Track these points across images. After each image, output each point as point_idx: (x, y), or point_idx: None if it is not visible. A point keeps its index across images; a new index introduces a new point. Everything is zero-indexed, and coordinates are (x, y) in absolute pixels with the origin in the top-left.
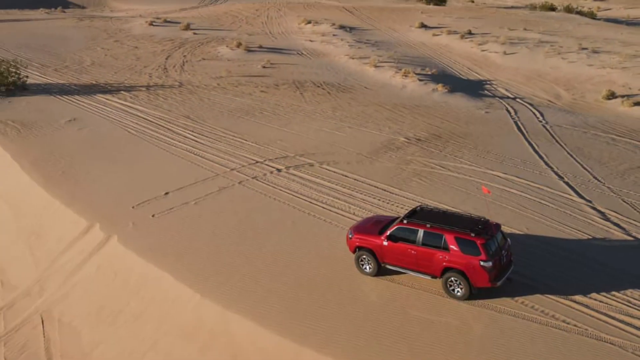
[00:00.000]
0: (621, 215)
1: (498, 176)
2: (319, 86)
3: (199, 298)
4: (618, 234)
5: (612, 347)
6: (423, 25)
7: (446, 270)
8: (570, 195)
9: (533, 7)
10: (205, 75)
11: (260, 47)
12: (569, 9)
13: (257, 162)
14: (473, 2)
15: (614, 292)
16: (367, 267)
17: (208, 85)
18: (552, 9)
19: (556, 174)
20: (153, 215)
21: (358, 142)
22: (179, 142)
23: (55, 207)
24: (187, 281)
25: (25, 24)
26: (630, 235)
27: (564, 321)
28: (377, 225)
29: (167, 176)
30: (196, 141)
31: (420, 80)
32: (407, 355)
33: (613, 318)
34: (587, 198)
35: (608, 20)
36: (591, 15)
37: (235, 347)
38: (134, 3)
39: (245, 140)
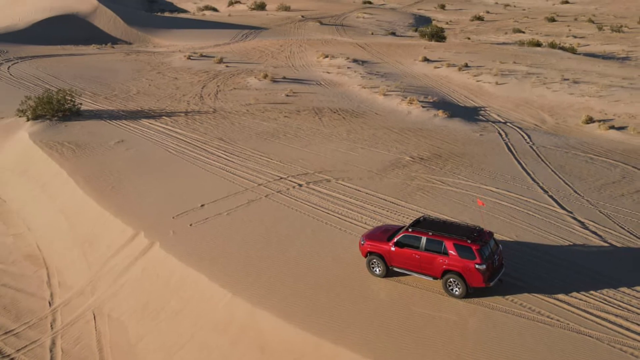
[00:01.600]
0: (598, 224)
1: (491, 190)
2: (335, 112)
3: (231, 297)
4: (595, 241)
5: (590, 339)
6: (425, 59)
7: (446, 272)
8: (553, 207)
9: (521, 43)
10: (236, 103)
11: (284, 78)
12: (552, 45)
13: (281, 178)
14: (469, 39)
15: (592, 291)
16: (377, 270)
17: (238, 111)
18: (538, 45)
19: (542, 188)
20: (190, 225)
21: (369, 161)
22: (213, 160)
23: (106, 218)
24: (220, 282)
25: (79, 58)
26: (606, 242)
27: (548, 317)
28: (385, 233)
29: (203, 190)
30: (228, 160)
31: (423, 107)
32: (411, 345)
33: (591, 314)
34: (569, 209)
35: (587, 54)
36: (572, 51)
37: (263, 339)
38: (174, 39)
39: (271, 159)
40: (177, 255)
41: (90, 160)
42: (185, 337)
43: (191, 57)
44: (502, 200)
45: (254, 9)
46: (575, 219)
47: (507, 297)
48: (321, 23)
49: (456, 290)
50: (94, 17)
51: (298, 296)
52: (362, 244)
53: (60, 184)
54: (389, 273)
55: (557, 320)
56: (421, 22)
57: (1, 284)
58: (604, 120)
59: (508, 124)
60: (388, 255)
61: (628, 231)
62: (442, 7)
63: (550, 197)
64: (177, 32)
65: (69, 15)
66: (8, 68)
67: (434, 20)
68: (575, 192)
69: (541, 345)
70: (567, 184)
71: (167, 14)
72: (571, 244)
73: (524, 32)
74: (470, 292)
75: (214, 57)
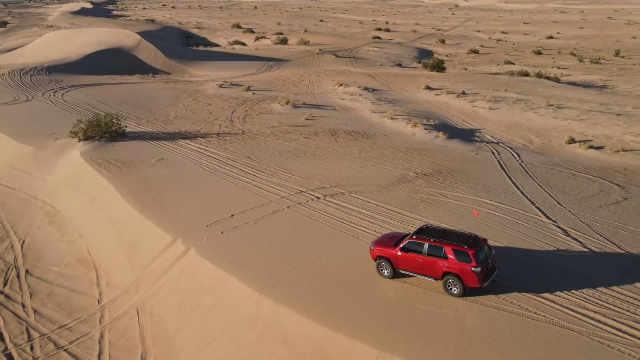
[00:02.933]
0: (579, 232)
1: (485, 202)
2: (348, 134)
3: (257, 295)
4: (577, 247)
5: (572, 332)
6: (428, 87)
7: (445, 274)
8: (540, 216)
9: (512, 73)
10: (261, 126)
11: (304, 104)
12: (539, 75)
13: (301, 191)
14: (466, 69)
15: (573, 291)
16: (385, 272)
17: (264, 133)
18: (526, 75)
19: (529, 200)
20: (222, 232)
21: (378, 176)
22: (242, 176)
23: (147, 227)
24: (248, 282)
25: (124, 86)
26: (586, 247)
27: (535, 313)
28: (392, 239)
29: (233, 202)
30: (255, 175)
31: (425, 129)
32: (416, 338)
33: (573, 310)
34: (553, 219)
35: (569, 83)
36: (556, 80)
37: (285, 333)
38: (208, 70)
39: (292, 175)
40: (210, 259)
41: (134, 176)
42: (217, 331)
43: (222, 86)
44: (495, 210)
45: (277, 43)
46: (558, 227)
47: (499, 295)
48: (336, 56)
49: (455, 290)
50: (137, 50)
51: (316, 295)
52: (372, 249)
53: (107, 197)
54: (395, 275)
55: (543, 316)
56: (424, 55)
57: (56, 284)
58: (584, 141)
59: (500, 144)
60: (395, 259)
61: (605, 238)
62: (442, 41)
63: (537, 208)
64: (210, 64)
65: (116, 48)
66: (62, 95)
67: (435, 53)
68: (559, 203)
69: (529, 338)
70: (551, 196)
71: (201, 48)
72: (555, 249)
73: (514, 64)
74: (466, 292)
75: (242, 85)
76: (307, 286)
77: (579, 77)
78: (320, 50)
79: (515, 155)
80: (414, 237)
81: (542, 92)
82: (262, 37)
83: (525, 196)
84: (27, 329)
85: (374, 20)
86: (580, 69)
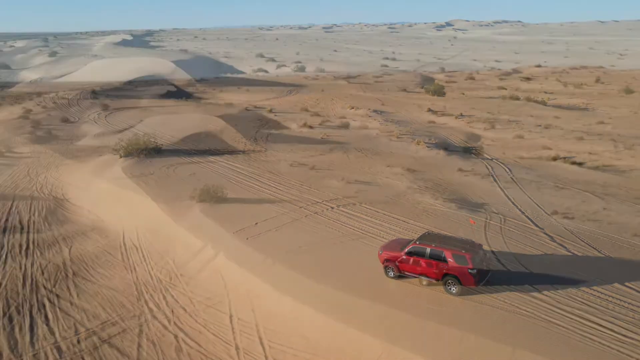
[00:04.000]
0: (564, 238)
1: (480, 211)
2: (359, 151)
3: (278, 293)
4: (562, 251)
5: (558, 327)
6: (430, 110)
7: (445, 275)
8: (529, 224)
9: (504, 97)
10: (282, 143)
11: (319, 124)
12: (528, 99)
13: (317, 202)
14: (464, 94)
15: (559, 290)
16: (391, 273)
17: (283, 149)
18: (517, 98)
19: (520, 210)
20: (247, 238)
21: (386, 188)
22: (264, 188)
23: (181, 233)
24: (270, 281)
25: (160, 109)
26: (570, 252)
27: (525, 310)
28: (398, 244)
29: (256, 211)
30: (276, 188)
31: (428, 147)
32: (419, 332)
33: (558, 308)
34: (540, 226)
35: (555, 106)
36: (543, 103)
37: (302, 324)
38: (235, 95)
39: (309, 188)
40: (236, 262)
41: (169, 188)
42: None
43: (247, 108)
44: (490, 219)
45: (296, 71)
46: (545, 234)
47: (493, 294)
48: (349, 82)
49: (453, 289)
50: (172, 77)
51: (330, 293)
52: (380, 253)
53: (146, 207)
54: (400, 276)
55: (532, 312)
56: (426, 81)
57: (99, 284)
58: (567, 157)
59: (493, 160)
60: (400, 262)
61: (587, 244)
62: (442, 69)
63: (527, 217)
64: (236, 89)
65: (153, 75)
66: (106, 117)
67: (436, 79)
68: (546, 213)
69: (518, 330)
70: (539, 207)
71: (229, 75)
72: (543, 253)
73: (506, 89)
74: (464, 291)
75: (265, 108)
76: (323, 285)
77: (564, 101)
78: (334, 77)
79: (507, 170)
80: (418, 242)
81: (531, 114)
82: (282, 66)
83: (516, 207)
84: (74, 324)
85: (381, 50)
86: (565, 94)
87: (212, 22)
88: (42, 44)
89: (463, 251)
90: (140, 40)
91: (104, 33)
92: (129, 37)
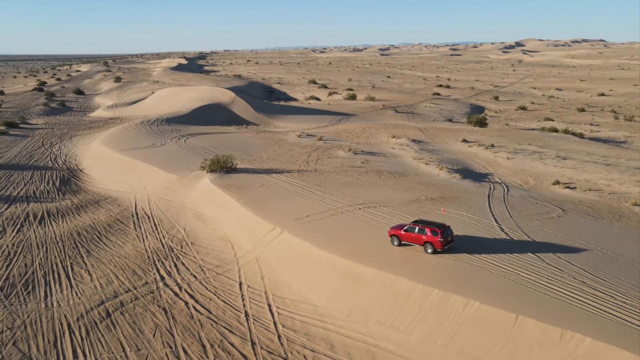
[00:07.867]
0: (511, 230)
1: (463, 214)
2: (390, 173)
3: (320, 251)
4: (505, 236)
5: (496, 275)
6: (464, 140)
7: (425, 242)
8: (492, 223)
9: (543, 129)
10: (329, 166)
11: (362, 151)
12: (566, 131)
13: (350, 205)
14: (507, 125)
15: (499, 255)
16: (395, 242)
17: (330, 171)
18: (555, 130)
19: (493, 215)
20: (302, 224)
21: (401, 198)
22: (313, 196)
23: (258, 221)
24: (317, 246)
25: (225, 135)
26: (509, 237)
27: (475, 264)
28: (400, 226)
29: (307, 209)
30: (322, 196)
31: (448, 171)
32: (411, 271)
33: (495, 264)
34: (501, 225)
35: (592, 139)
36: (580, 135)
37: (334, 265)
38: (288, 122)
39: (346, 196)
40: (297, 236)
41: (246, 194)
42: (301, 269)
43: (300, 136)
44: (466, 219)
45: (347, 99)
46: (501, 229)
47: (454, 254)
48: (396, 111)
49: (429, 250)
50: (232, 105)
51: (356, 253)
52: (389, 231)
53: (231, 205)
54: (400, 244)
55: (480, 265)
56: (476, 111)
57: (210, 249)
58: (566, 183)
59: (501, 183)
60: (401, 235)
61: (524, 233)
62: (496, 98)
63: (494, 218)
64: (290, 117)
65: (215, 104)
66: (185, 141)
67: (486, 109)
68: (511, 217)
69: (469, 274)
70: (509, 214)
71: (282, 102)
72: (493, 237)
73: (553, 120)
74: (437, 252)
75: (315, 135)
76: (351, 249)
77: (605, 134)
78: (383, 105)
79: (505, 190)
80: (411, 224)
81: (560, 146)
82: (334, 93)
83: (492, 213)
84: (200, 266)
85: (437, 76)
86: (611, 126)
87: (263, 43)
88: (103, 68)
89: (436, 228)
90: (194, 65)
91: (158, 55)
92: (184, 61)
